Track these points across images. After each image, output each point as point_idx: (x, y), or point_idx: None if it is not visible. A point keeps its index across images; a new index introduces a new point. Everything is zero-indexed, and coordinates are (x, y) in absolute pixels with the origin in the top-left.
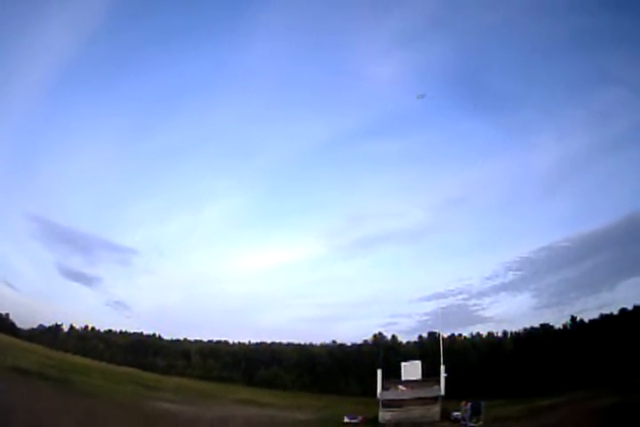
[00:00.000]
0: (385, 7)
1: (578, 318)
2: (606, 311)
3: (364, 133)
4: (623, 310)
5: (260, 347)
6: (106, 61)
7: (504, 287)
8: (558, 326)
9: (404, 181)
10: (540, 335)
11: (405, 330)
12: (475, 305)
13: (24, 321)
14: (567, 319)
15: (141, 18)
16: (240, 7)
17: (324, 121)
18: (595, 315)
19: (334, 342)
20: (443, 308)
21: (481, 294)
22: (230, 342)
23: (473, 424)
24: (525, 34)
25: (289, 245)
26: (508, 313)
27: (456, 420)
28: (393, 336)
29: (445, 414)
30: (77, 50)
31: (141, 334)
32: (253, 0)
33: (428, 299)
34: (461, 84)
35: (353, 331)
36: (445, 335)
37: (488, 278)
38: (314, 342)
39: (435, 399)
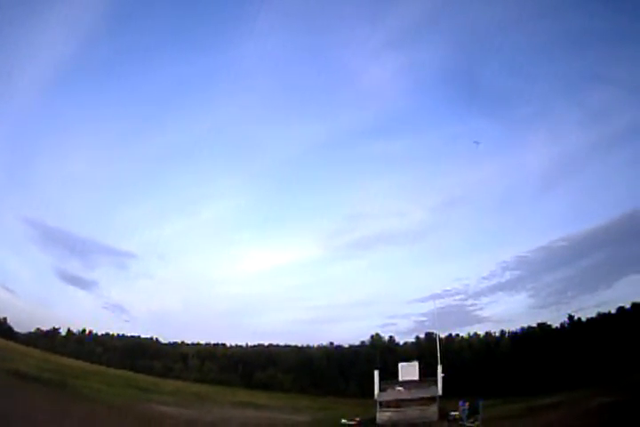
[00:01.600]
0: (379, 6)
1: (575, 317)
2: (604, 310)
3: (361, 134)
4: (621, 309)
5: (258, 349)
6: (100, 63)
7: (501, 287)
8: (556, 325)
9: (401, 181)
10: (538, 335)
11: (403, 331)
12: (472, 305)
13: (22, 325)
14: (565, 318)
15: (137, 19)
16: (235, 8)
17: (321, 121)
18: (592, 313)
19: (332, 343)
20: (440, 308)
21: (478, 294)
22: (228, 344)
23: (471, 424)
24: (520, 33)
25: (286, 247)
26: (506, 313)
27: (454, 419)
28: (390, 337)
29: (443, 414)
30: (71, 51)
31: (139, 337)
32: (249, 3)
33: (426, 299)
34: (457, 83)
35: (350, 332)
36: (443, 336)
37: (485, 278)
38: (311, 344)
39: (432, 400)
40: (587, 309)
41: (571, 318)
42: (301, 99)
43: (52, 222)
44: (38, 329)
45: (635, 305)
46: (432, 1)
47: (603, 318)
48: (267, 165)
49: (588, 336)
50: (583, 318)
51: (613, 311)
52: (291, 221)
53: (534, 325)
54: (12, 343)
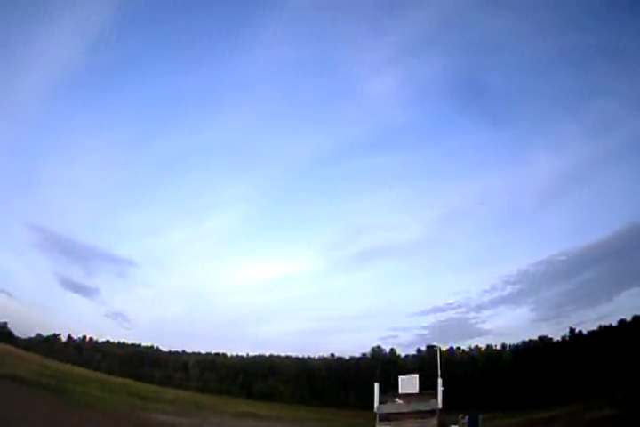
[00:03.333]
0: (383, 23)
1: (577, 330)
2: (605, 323)
3: (364, 147)
4: (622, 321)
5: (258, 359)
6: (108, 69)
7: (502, 301)
8: (557, 338)
9: (404, 194)
10: (539, 348)
11: (404, 343)
12: (473, 318)
13: (22, 330)
14: (566, 332)
15: (145, 26)
16: (243, 20)
17: (325, 134)
18: (594, 326)
19: (332, 355)
20: (441, 321)
21: (479, 308)
22: (228, 354)
23: None
24: (521, 49)
25: (288, 258)
26: (507, 326)
27: None
28: (391, 349)
29: None
30: (79, 57)
31: (139, 345)
32: (256, 14)
33: (427, 313)
34: (458, 98)
35: (351, 344)
36: (444, 349)
37: (486, 292)
38: (312, 355)
39: (432, 413)
40: (588, 322)
41: (572, 330)
42: (305, 111)
43: (54, 228)
44: (38, 335)
45: (636, 317)
46: (434, 17)
47: (604, 330)
48: (269, 176)
49: (589, 349)
50: (584, 331)
51: (615, 324)
52: (292, 233)
53: (535, 338)
54: (11, 348)
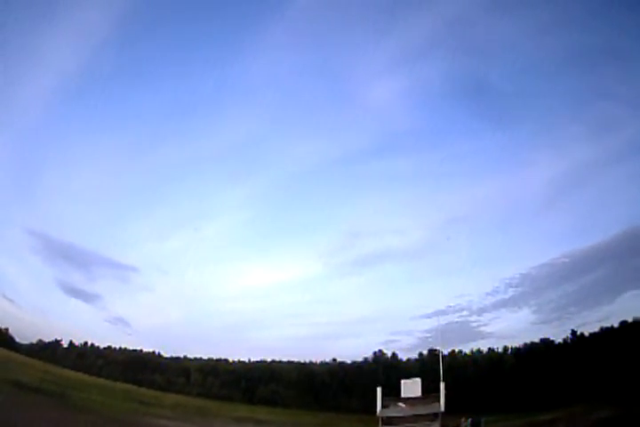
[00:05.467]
0: (386, 27)
1: (579, 332)
2: (607, 324)
3: (367, 152)
4: (623, 323)
5: (260, 365)
6: (109, 75)
7: (504, 303)
8: (559, 340)
9: (403, 199)
10: (541, 350)
11: (406, 347)
12: (475, 321)
13: (23, 336)
14: (568, 334)
15: (147, 31)
16: (245, 25)
17: (328, 139)
18: (595, 328)
19: (334, 359)
20: (443, 325)
21: (481, 311)
22: (230, 360)
23: None
24: (524, 51)
25: (289, 263)
26: (509, 329)
27: None
28: (393, 354)
29: None
30: (80, 63)
31: (140, 351)
32: (258, 18)
33: (429, 316)
34: (461, 101)
35: (353, 349)
36: (446, 352)
37: (488, 295)
38: (314, 360)
39: (435, 416)
40: (590, 323)
41: (574, 333)
42: (306, 117)
43: (55, 234)
44: (40, 340)
45: (637, 319)
46: (437, 20)
47: (606, 332)
48: (269, 182)
49: (591, 351)
50: (586, 333)
51: (616, 325)
52: (292, 238)
53: (537, 340)
54: (13, 354)
